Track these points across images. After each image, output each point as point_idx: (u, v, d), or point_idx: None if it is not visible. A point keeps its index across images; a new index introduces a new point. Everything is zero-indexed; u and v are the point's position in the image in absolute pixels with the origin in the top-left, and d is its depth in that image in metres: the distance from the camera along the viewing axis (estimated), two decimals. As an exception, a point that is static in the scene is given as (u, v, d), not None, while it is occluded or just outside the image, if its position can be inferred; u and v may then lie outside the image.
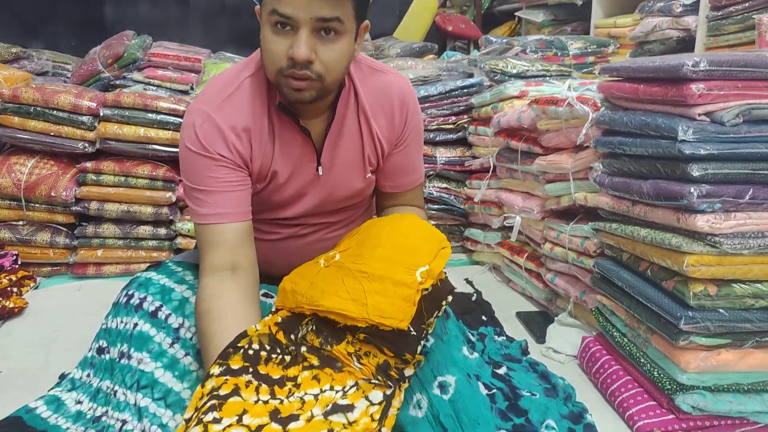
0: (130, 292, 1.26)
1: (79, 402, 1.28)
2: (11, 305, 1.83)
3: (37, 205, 2.20)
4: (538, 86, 2.20)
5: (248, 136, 1.20)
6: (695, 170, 1.18)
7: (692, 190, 1.17)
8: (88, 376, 1.31)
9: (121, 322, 1.24)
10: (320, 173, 1.29)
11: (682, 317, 1.19)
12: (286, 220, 1.35)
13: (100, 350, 1.30)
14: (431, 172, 2.47)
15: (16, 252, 2.10)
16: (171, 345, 1.20)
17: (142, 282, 1.27)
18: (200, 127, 1.17)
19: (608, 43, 3.02)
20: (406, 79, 1.35)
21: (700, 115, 1.21)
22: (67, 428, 1.21)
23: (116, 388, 1.21)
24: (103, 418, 1.20)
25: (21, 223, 2.21)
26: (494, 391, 1.33)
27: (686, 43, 2.65)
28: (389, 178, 1.40)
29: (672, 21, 2.65)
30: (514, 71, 2.50)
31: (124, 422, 1.16)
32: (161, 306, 1.22)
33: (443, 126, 2.50)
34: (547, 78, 2.44)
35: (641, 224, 1.37)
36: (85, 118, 2.20)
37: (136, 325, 1.21)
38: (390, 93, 1.30)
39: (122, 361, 1.22)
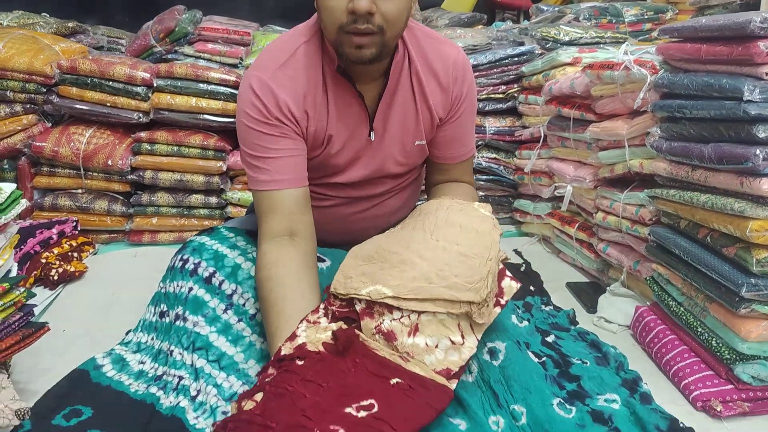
0: (185, 257, 1.28)
1: (141, 362, 1.32)
2: (72, 269, 1.90)
3: (95, 174, 2.27)
4: (591, 52, 2.14)
5: (304, 103, 1.21)
6: (761, 131, 1.13)
7: (758, 152, 1.13)
8: (152, 339, 1.36)
9: (178, 285, 1.28)
10: (372, 138, 1.29)
11: (743, 284, 1.16)
12: (339, 186, 1.35)
13: (162, 314, 1.34)
14: (480, 143, 2.44)
15: (76, 218, 2.18)
16: (225, 311, 1.23)
17: (196, 247, 1.30)
18: (258, 96, 1.18)
19: (666, 9, 2.89)
20: (461, 50, 1.32)
21: (767, 74, 1.16)
22: (129, 384, 1.25)
23: (172, 347, 1.25)
24: (164, 377, 1.25)
25: (80, 191, 2.28)
26: (544, 359, 1.32)
27: (750, 8, 2.52)
28: (440, 148, 1.39)
29: (736, -17, 2.52)
30: (567, 38, 2.43)
31: (180, 378, 1.20)
32: (215, 272, 1.25)
33: (493, 95, 2.46)
34: (601, 45, 2.37)
35: (701, 190, 1.32)
36: (139, 89, 2.25)
37: (191, 289, 1.24)
38: (445, 63, 1.29)
39: (178, 322, 1.25)
